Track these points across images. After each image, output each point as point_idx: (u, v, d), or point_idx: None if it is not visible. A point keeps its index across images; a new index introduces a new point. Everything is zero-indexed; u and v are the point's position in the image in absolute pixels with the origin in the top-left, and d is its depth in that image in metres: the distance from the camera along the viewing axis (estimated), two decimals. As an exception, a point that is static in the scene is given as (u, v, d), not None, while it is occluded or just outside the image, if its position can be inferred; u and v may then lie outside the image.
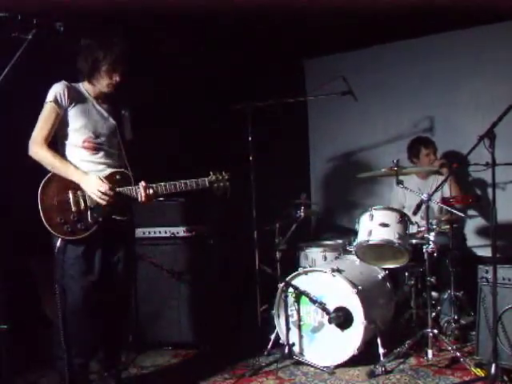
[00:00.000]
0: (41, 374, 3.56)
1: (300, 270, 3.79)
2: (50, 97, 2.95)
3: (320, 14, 4.38)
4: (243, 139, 4.14)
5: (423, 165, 4.68)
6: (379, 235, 3.78)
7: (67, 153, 3.03)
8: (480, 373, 3.20)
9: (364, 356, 3.54)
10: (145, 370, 3.67)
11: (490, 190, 3.13)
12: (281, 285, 3.76)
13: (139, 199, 3.01)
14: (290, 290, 3.68)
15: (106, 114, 3.12)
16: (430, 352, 3.49)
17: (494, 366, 3.02)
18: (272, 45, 5.08)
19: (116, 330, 3.21)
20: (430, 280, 3.59)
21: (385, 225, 3.80)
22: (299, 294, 3.67)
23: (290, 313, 3.72)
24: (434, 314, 3.75)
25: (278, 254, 4.23)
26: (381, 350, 3.57)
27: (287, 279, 3.73)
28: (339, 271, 3.66)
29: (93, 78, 3.02)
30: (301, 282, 3.71)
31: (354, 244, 3.93)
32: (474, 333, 3.57)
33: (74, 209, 2.90)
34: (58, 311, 2.86)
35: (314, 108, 5.94)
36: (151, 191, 3.01)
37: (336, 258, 4.30)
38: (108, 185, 2.93)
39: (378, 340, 3.61)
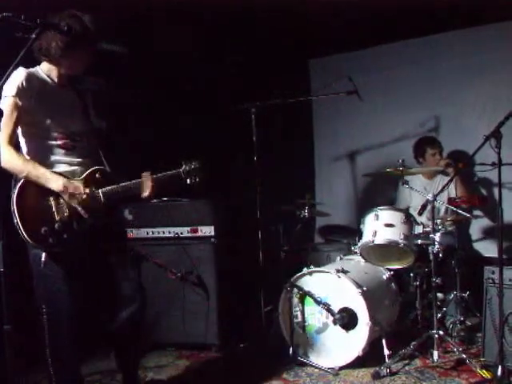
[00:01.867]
0: (44, 375, 3.55)
1: (304, 270, 3.76)
2: (10, 90, 2.53)
3: (325, 14, 4.37)
4: (247, 139, 4.13)
5: (429, 165, 4.67)
6: (384, 235, 3.77)
7: (37, 153, 2.66)
8: (486, 375, 3.19)
9: (369, 357, 3.53)
10: (148, 371, 3.66)
11: (496, 190, 3.11)
12: (285, 285, 3.74)
13: (145, 193, 2.82)
14: (295, 290, 3.67)
15: (71, 100, 2.79)
16: (435, 353, 3.46)
17: (500, 367, 3.01)
18: (277, 44, 5.07)
19: (128, 341, 2.98)
20: (435, 281, 3.56)
21: (390, 225, 3.79)
22: (304, 294, 3.66)
23: (294, 314, 3.70)
24: (439, 315, 3.73)
25: (282, 255, 4.22)
26: (386, 352, 3.56)
27: (292, 280, 3.72)
28: (344, 272, 3.64)
29: (62, 58, 2.62)
30: (305, 282, 3.71)
31: (359, 244, 3.93)
32: (480, 334, 3.56)
33: (57, 218, 2.56)
34: (46, 335, 2.68)
35: (319, 108, 5.92)
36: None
37: (341, 258, 4.28)
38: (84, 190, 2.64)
39: (383, 341, 3.59)
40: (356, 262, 4.06)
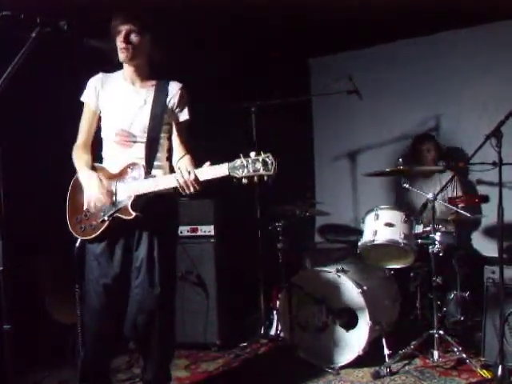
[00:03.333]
0: (44, 375, 3.57)
1: (304, 269, 3.78)
2: (84, 95, 2.89)
3: (325, 13, 4.35)
4: (247, 138, 4.15)
5: (425, 161, 4.67)
6: (384, 235, 3.76)
7: (104, 149, 2.91)
8: (486, 374, 3.19)
9: (369, 357, 3.53)
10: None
11: (496, 190, 3.11)
12: (285, 285, 3.76)
13: (184, 190, 2.55)
14: (295, 290, 3.68)
15: (142, 99, 2.82)
16: (435, 353, 3.46)
17: (500, 367, 3.02)
18: (277, 43, 5.06)
19: (152, 340, 2.87)
20: (435, 280, 3.57)
21: (390, 225, 3.77)
22: (304, 294, 3.67)
23: (294, 313, 3.71)
24: (439, 314, 3.73)
25: (281, 254, 4.20)
26: (386, 351, 3.56)
27: (292, 279, 3.73)
28: (344, 271, 3.66)
29: (117, 55, 2.74)
30: (305, 282, 3.71)
31: (359, 244, 3.91)
32: (480, 334, 3.54)
33: (85, 208, 2.78)
34: (77, 312, 2.83)
35: (319, 107, 5.91)
36: (190, 176, 2.51)
37: (341, 258, 4.29)
38: (104, 191, 2.70)
39: (383, 341, 3.60)
40: (356, 262, 4.06)
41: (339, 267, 3.67)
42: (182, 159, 2.86)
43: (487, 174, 3.72)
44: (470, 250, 4.71)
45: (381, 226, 3.80)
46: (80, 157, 2.85)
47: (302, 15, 4.44)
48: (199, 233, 4.08)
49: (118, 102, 2.82)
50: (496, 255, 3.27)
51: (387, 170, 4.01)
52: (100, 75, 2.89)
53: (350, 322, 3.53)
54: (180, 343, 3.94)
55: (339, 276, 3.60)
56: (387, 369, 3.42)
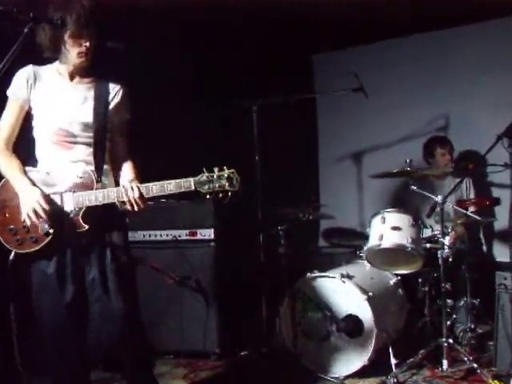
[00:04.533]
0: (44, 378, 3.49)
1: (308, 275, 3.74)
2: (10, 88, 2.66)
3: (329, 8, 4.33)
4: (249, 138, 4.12)
5: (438, 165, 4.62)
6: (391, 239, 3.72)
7: (39, 150, 2.71)
8: (497, 384, 3.17)
9: (375, 366, 3.50)
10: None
11: (508, 192, 3.04)
12: (288, 291, 3.73)
13: (132, 207, 2.53)
14: (298, 296, 3.65)
15: (81, 96, 2.70)
16: (445, 363, 3.43)
17: (512, 377, 2.98)
18: (280, 40, 5.07)
19: (125, 353, 2.84)
20: (444, 286, 3.54)
21: (397, 228, 3.73)
22: (307, 300, 3.64)
23: (297, 320, 3.68)
24: (449, 322, 3.71)
25: (284, 259, 4.19)
26: (393, 361, 3.48)
27: (295, 285, 3.70)
28: (349, 277, 3.63)
29: (58, 52, 2.61)
30: (309, 288, 3.69)
31: (365, 248, 3.87)
32: (491, 342, 3.52)
33: (23, 218, 2.57)
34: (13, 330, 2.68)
35: (323, 105, 5.92)
36: (134, 193, 2.51)
37: (346, 262, 4.27)
38: (45, 206, 2.52)
39: (390, 349, 3.52)
40: (362, 267, 4.02)
41: (344, 273, 3.64)
42: (125, 167, 2.79)
43: (499, 175, 3.68)
44: (480, 255, 4.69)
45: (387, 229, 3.76)
46: (9, 160, 2.64)
47: (306, 10, 4.44)
48: (198, 237, 4.04)
49: (55, 99, 2.66)
50: (508, 260, 3.20)
51: (394, 171, 3.96)
52: (31, 67, 2.68)
53: (356, 330, 3.48)
54: (178, 351, 4.03)
55: (344, 282, 3.57)
56: (394, 379, 3.37)
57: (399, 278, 3.99)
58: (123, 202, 2.53)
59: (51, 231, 2.53)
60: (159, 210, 4.00)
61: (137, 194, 2.47)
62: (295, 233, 4.29)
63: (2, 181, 2.66)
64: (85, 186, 2.58)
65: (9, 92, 2.66)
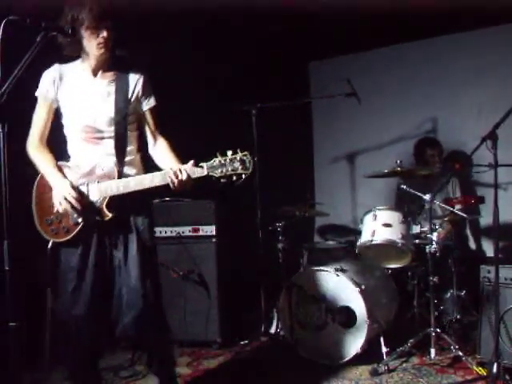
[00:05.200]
0: (47, 372, 3.57)
1: (304, 269, 3.81)
2: (38, 88, 2.71)
3: (324, 16, 4.38)
4: (248, 140, 4.14)
5: (428, 165, 4.68)
6: (382, 235, 3.81)
7: (71, 147, 2.76)
8: (482, 371, 3.22)
9: (367, 355, 3.56)
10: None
11: (492, 191, 3.14)
12: (285, 284, 3.79)
13: (172, 184, 2.50)
14: (295, 289, 3.70)
15: (104, 91, 2.70)
16: (432, 351, 3.49)
17: (495, 364, 3.04)
18: (277, 46, 5.08)
19: (146, 337, 2.81)
20: (432, 280, 3.59)
21: (388, 225, 3.83)
22: (303, 293, 3.69)
23: (293, 311, 3.73)
24: (436, 313, 3.75)
25: (281, 254, 4.24)
26: (384, 349, 3.59)
27: (291, 279, 3.75)
28: (343, 271, 3.68)
29: (78, 49, 2.63)
30: (305, 281, 3.74)
31: (358, 244, 3.96)
32: (476, 332, 3.54)
33: (55, 210, 2.66)
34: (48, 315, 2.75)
35: (319, 109, 5.95)
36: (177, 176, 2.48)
37: (339, 257, 4.30)
38: (75, 196, 2.59)
39: (381, 339, 3.62)
40: (355, 261, 4.09)
41: (338, 267, 3.69)
42: (159, 148, 2.80)
43: (483, 175, 3.74)
44: (466, 250, 4.74)
45: (379, 226, 3.85)
46: (43, 156, 2.72)
47: (302, 19, 4.49)
48: (201, 233, 4.09)
49: (80, 96, 2.68)
50: (492, 255, 3.29)
51: (385, 171, 4.03)
52: (57, 66, 2.72)
53: (349, 321, 3.54)
54: (182, 341, 4.02)
55: (338, 275, 3.62)
56: (385, 366, 3.45)
57: (390, 271, 4.03)
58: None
59: (80, 221, 2.61)
60: (164, 208, 4.03)
61: (185, 175, 2.46)
62: (292, 229, 4.32)
63: (39, 176, 2.73)
64: (107, 177, 2.62)
65: (37, 93, 2.72)
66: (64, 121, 2.76)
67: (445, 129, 5.21)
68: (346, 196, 5.76)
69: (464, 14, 4.23)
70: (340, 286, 3.62)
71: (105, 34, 2.58)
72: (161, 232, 4.09)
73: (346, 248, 4.51)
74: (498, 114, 3.07)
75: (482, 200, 4.34)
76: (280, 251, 4.23)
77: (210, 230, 4.10)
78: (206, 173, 2.42)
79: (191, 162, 2.51)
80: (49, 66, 2.73)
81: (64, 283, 2.71)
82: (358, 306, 3.53)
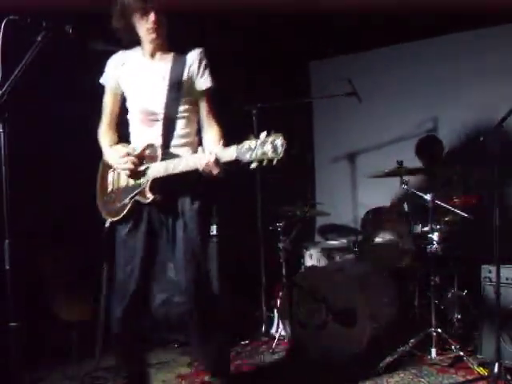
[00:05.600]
0: (49, 372, 3.61)
1: (305, 269, 3.80)
2: (104, 75, 2.80)
3: (325, 16, 4.41)
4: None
5: (429, 164, 4.67)
6: (383, 235, 3.87)
7: (130, 129, 2.80)
8: (483, 371, 3.23)
9: (368, 354, 3.55)
10: (151, 367, 3.66)
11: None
12: (286, 284, 3.82)
13: (201, 168, 2.43)
14: (295, 289, 3.71)
15: (162, 73, 2.67)
16: (433, 351, 3.50)
17: (496, 364, 3.04)
18: (277, 46, 5.10)
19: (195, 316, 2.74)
20: (433, 280, 3.59)
21: (389, 225, 3.88)
22: (304, 292, 3.69)
23: (294, 311, 3.74)
24: (437, 313, 3.70)
25: (282, 254, 4.23)
26: (384, 349, 3.58)
27: (292, 278, 3.77)
28: (343, 270, 3.72)
29: (134, 33, 2.65)
30: (305, 281, 3.74)
31: (358, 243, 4.01)
32: (477, 332, 3.58)
33: (109, 189, 2.75)
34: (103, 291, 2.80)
35: (320, 109, 5.96)
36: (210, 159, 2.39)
37: (340, 257, 4.32)
38: (131, 159, 2.60)
39: (382, 339, 3.63)
40: (355, 261, 4.11)
41: (338, 266, 3.75)
42: (208, 133, 2.74)
43: (484, 175, 3.71)
44: (466, 250, 4.68)
45: (380, 226, 3.90)
46: (105, 139, 2.79)
47: (303, 19, 4.51)
48: None
49: (138, 80, 2.71)
50: (492, 255, 3.29)
51: (386, 171, 4.06)
52: (119, 53, 2.78)
53: (350, 321, 3.54)
54: (182, 341, 3.99)
55: (339, 275, 3.65)
56: (386, 366, 3.45)
57: (391, 271, 4.03)
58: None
59: (127, 201, 2.64)
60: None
61: (213, 158, 2.37)
62: (293, 229, 4.33)
63: (102, 160, 2.83)
64: (152, 159, 2.60)
65: (101, 79, 2.79)
66: (127, 104, 2.80)
67: (445, 128, 5.21)
68: (347, 196, 5.77)
69: (464, 13, 4.22)
70: (340, 285, 3.63)
71: (152, 17, 2.57)
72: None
73: (346, 248, 4.50)
74: (500, 113, 3.07)
75: (482, 200, 4.33)
76: (281, 251, 4.23)
77: (211, 229, 4.03)
78: (234, 157, 2.32)
79: (220, 144, 2.46)
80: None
81: (118, 259, 2.74)
82: (359, 306, 3.54)
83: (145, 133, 2.70)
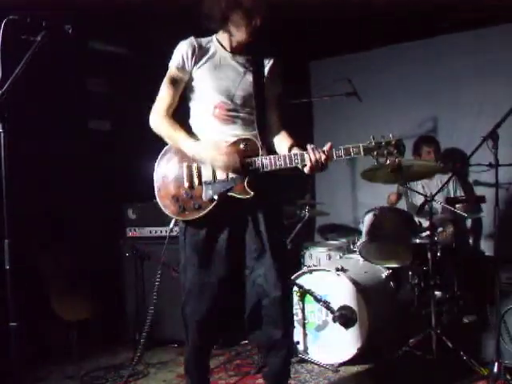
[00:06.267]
0: (49, 371, 3.62)
1: (304, 269, 3.81)
2: (172, 60, 2.59)
3: (325, 16, 4.40)
4: None
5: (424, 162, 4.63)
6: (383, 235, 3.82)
7: (198, 124, 2.63)
8: (483, 371, 3.23)
9: (367, 354, 3.56)
10: (151, 367, 3.72)
11: (492, 190, 3.15)
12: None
13: (306, 167, 2.42)
14: (295, 288, 3.69)
15: (241, 69, 2.59)
16: (433, 351, 3.49)
17: (496, 364, 3.05)
18: (277, 46, 5.02)
19: (276, 331, 2.70)
20: (433, 279, 3.60)
21: (388, 225, 3.85)
22: (304, 292, 3.70)
23: (294, 311, 3.59)
24: (437, 313, 3.72)
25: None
26: (384, 349, 3.59)
27: (292, 278, 3.73)
28: (343, 270, 3.68)
29: (229, 26, 2.52)
30: (305, 280, 3.74)
31: (358, 243, 3.97)
32: (476, 332, 3.58)
33: (186, 184, 2.52)
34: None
35: (320, 109, 5.98)
36: (321, 155, 2.38)
37: (340, 257, 4.31)
38: (232, 149, 2.47)
39: (382, 339, 3.63)
40: (355, 261, 4.09)
41: (338, 266, 3.69)
42: (280, 135, 2.68)
43: (484, 174, 3.74)
44: (467, 250, 4.73)
45: (379, 225, 3.86)
46: (173, 126, 2.57)
47: (303, 18, 4.49)
48: None
49: (217, 70, 2.57)
50: (492, 254, 3.30)
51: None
52: (191, 39, 2.59)
53: (349, 320, 3.54)
54: (182, 340, 3.99)
55: (338, 275, 3.62)
56: (385, 366, 3.47)
57: (390, 271, 4.02)
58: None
59: (216, 197, 2.48)
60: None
61: (324, 157, 2.37)
62: (292, 229, 4.31)
63: (161, 153, 2.63)
64: (247, 154, 2.48)
65: (170, 63, 2.59)
66: (193, 95, 2.64)
67: (445, 128, 5.23)
68: (347, 195, 5.78)
69: (464, 13, 4.26)
70: (340, 285, 3.62)
71: (258, 23, 2.50)
72: (161, 231, 4.10)
73: (346, 248, 4.50)
74: (499, 114, 3.08)
75: (482, 199, 4.33)
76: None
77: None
78: (362, 153, 2.39)
79: (329, 143, 2.43)
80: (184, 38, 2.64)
81: (191, 260, 2.61)
82: (359, 305, 3.54)
83: (219, 128, 2.57)
